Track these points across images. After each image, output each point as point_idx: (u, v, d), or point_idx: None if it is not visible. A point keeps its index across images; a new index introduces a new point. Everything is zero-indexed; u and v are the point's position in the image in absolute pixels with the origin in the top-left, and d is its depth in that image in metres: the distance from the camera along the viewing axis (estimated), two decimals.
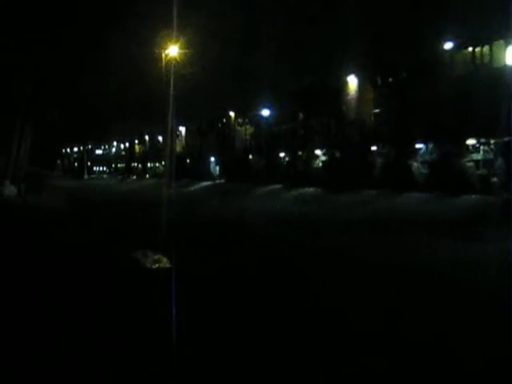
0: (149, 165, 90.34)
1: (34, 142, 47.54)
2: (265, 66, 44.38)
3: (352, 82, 36.84)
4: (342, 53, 36.25)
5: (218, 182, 55.49)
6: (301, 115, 42.95)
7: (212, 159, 60.73)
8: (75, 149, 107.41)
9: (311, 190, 37.63)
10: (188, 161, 70.08)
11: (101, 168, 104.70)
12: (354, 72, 36.48)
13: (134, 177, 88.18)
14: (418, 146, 32.06)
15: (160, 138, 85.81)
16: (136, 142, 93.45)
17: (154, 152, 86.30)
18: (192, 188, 53.86)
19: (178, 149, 76.51)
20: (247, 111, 53.35)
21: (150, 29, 38.76)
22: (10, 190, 38.66)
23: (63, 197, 41.14)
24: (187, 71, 42.52)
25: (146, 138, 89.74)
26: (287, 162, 42.33)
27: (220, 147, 57.11)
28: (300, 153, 41.25)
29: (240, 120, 54.11)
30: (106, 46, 40.36)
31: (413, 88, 31.50)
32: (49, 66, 39.64)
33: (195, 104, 59.84)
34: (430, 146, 31.07)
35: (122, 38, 39.51)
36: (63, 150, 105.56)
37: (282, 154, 44.73)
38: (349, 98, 36.65)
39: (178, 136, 76.73)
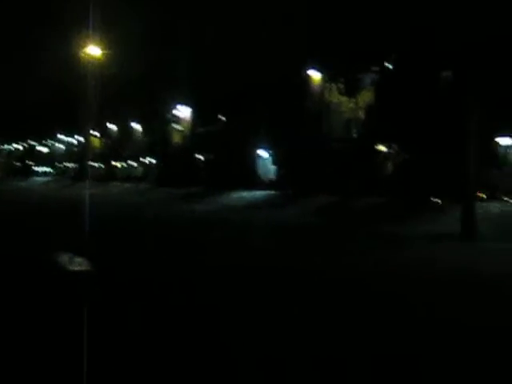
0: (119, 165, 65.55)
1: None
2: None
3: None
4: None
5: (272, 191, 32.73)
6: None
7: (265, 155, 37.26)
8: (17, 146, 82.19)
9: None
10: (203, 158, 46.17)
11: (45, 169, 79.01)
12: None
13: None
14: None
15: (139, 127, 61.13)
16: (98, 134, 67.47)
17: (129, 147, 61.74)
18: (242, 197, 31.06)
19: (177, 139, 52.14)
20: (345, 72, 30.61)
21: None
22: None
23: None
24: None
25: (114, 127, 64.74)
26: None
27: (287, 132, 33.77)
28: None
29: (340, 85, 31.05)
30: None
31: None
32: None
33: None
34: None
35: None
36: None
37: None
38: None
39: (173, 122, 52.23)
